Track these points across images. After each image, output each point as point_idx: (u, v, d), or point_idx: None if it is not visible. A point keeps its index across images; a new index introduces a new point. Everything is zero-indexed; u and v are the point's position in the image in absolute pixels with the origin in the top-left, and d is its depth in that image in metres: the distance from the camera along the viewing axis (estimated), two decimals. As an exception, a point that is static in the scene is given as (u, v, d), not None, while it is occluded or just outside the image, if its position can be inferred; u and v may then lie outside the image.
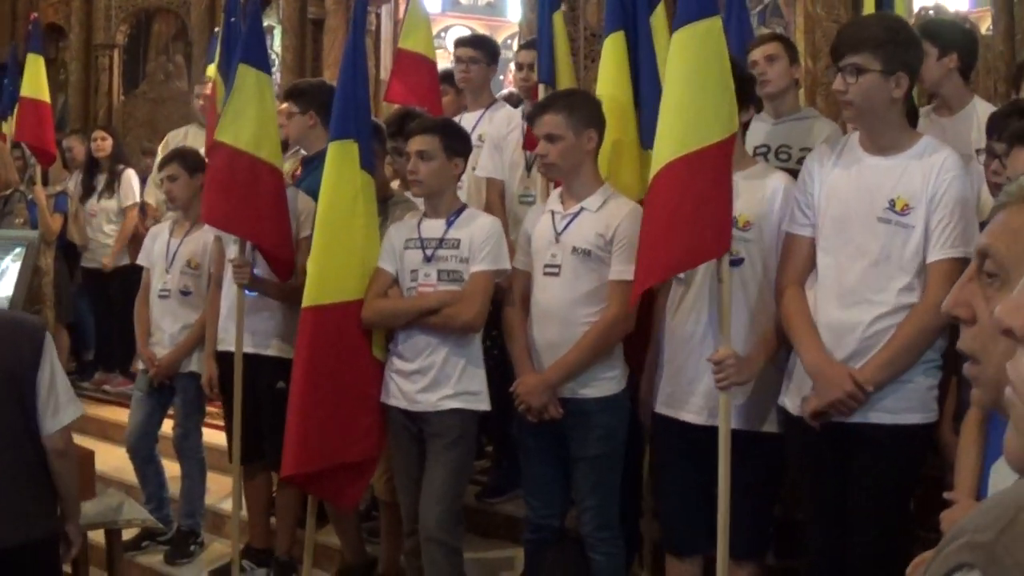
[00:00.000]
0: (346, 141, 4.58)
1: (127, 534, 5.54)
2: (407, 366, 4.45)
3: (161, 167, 5.99)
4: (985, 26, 11.91)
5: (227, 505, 6.15)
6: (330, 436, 4.50)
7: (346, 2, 10.24)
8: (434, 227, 4.46)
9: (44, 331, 3.93)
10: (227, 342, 5.34)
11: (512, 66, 11.39)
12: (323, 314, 4.51)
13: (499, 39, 16.55)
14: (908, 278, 3.54)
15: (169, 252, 5.94)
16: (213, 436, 6.26)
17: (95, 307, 8.93)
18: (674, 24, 3.93)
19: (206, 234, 5.79)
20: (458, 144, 4.53)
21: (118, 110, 12.23)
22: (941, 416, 3.67)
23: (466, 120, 5.70)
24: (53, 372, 3.86)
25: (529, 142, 5.29)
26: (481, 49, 6.09)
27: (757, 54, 4.89)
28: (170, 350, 5.86)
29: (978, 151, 4.28)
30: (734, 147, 3.83)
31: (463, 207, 4.55)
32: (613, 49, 4.65)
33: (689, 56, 3.81)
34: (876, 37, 3.52)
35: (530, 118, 4.43)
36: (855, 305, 3.59)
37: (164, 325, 5.90)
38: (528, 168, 5.49)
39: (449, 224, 4.44)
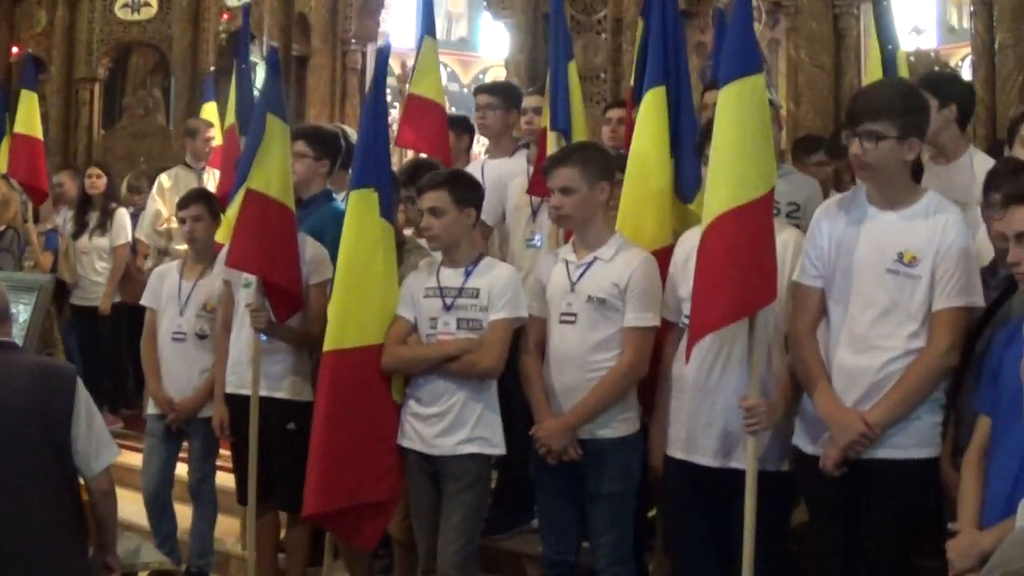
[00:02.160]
0: (367, 190, 4.69)
1: (140, 576, 5.58)
2: (425, 410, 4.56)
3: (184, 206, 5.91)
4: (953, 62, 12.23)
5: (233, 545, 6.30)
6: (350, 476, 4.60)
7: (332, 41, 10.40)
8: (452, 276, 4.57)
9: (75, 376, 4.03)
10: (235, 384, 5.42)
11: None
12: (344, 358, 4.62)
13: (469, 75, 16.73)
14: (915, 325, 3.77)
15: (182, 294, 5.91)
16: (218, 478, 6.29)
17: (83, 345, 8.89)
18: (720, 80, 4.09)
19: (219, 278, 5.83)
20: (468, 193, 4.63)
21: (98, 145, 12.29)
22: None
23: (493, 167, 5.82)
24: (90, 415, 3.99)
25: (534, 187, 5.43)
26: (498, 95, 6.16)
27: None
28: (190, 395, 5.83)
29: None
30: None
31: (480, 256, 4.67)
32: (655, 103, 4.79)
33: (736, 112, 3.96)
34: (894, 107, 3.76)
35: (545, 170, 4.56)
36: (866, 351, 3.81)
37: (178, 368, 5.87)
38: (534, 213, 5.63)
39: (468, 274, 4.55)
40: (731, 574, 4.18)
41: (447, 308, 4.54)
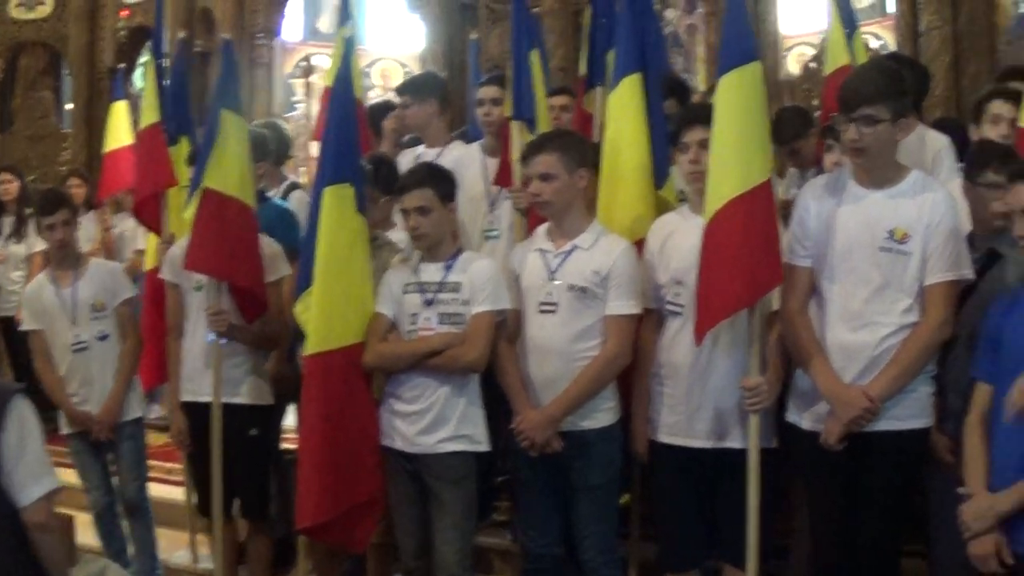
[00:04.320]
0: (342, 186, 4.56)
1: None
2: (406, 408, 4.47)
3: (51, 211, 5.59)
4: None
5: (181, 559, 6.18)
6: (342, 481, 4.49)
7: (238, 35, 10.20)
8: (432, 271, 4.49)
9: (12, 394, 3.55)
10: (192, 392, 5.30)
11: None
12: (332, 359, 4.50)
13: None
14: (909, 300, 3.89)
15: (66, 303, 5.64)
16: (160, 490, 6.15)
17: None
18: (719, 69, 4.10)
19: (96, 275, 5.67)
20: (450, 188, 4.57)
21: (-7, 149, 11.89)
22: None
23: (426, 157, 5.68)
24: (22, 438, 3.49)
25: (500, 178, 5.36)
26: (409, 92, 6.00)
27: None
28: (107, 401, 5.59)
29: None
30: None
31: (459, 250, 4.59)
32: (631, 90, 4.76)
33: (737, 100, 4.00)
34: (886, 91, 3.86)
35: (523, 158, 4.52)
36: (863, 328, 3.91)
37: (92, 377, 5.60)
38: (491, 204, 5.56)
39: (448, 268, 4.47)
40: (718, 551, 4.29)
41: (428, 303, 4.45)
